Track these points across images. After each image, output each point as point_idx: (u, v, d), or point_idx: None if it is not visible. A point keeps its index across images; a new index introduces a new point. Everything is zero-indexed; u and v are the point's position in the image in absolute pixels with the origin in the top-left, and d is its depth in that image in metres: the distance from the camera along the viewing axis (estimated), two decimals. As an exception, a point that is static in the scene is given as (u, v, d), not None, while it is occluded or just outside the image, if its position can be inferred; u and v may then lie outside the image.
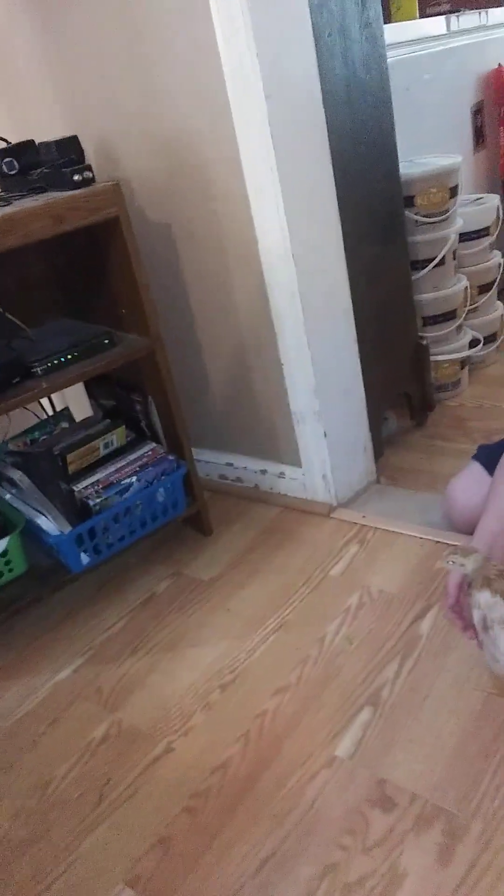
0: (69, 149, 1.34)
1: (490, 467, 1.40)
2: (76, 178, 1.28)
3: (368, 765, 1.03)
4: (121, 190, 1.30)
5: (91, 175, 1.30)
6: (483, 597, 0.98)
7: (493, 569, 0.98)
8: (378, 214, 1.69)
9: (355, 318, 1.58)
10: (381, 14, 1.57)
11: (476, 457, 1.45)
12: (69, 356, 1.37)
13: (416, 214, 1.87)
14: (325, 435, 1.58)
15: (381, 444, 1.82)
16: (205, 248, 1.54)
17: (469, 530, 1.42)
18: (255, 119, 1.30)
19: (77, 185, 1.29)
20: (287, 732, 1.11)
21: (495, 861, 0.87)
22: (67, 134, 1.35)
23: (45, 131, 1.48)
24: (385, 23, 1.62)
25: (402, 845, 0.92)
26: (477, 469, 1.41)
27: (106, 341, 1.41)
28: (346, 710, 1.13)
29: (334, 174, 1.45)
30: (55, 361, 1.36)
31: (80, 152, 1.34)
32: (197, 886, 0.93)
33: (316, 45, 1.35)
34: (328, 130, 1.42)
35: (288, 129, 1.33)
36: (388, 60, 1.65)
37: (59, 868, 0.99)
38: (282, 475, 1.71)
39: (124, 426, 1.57)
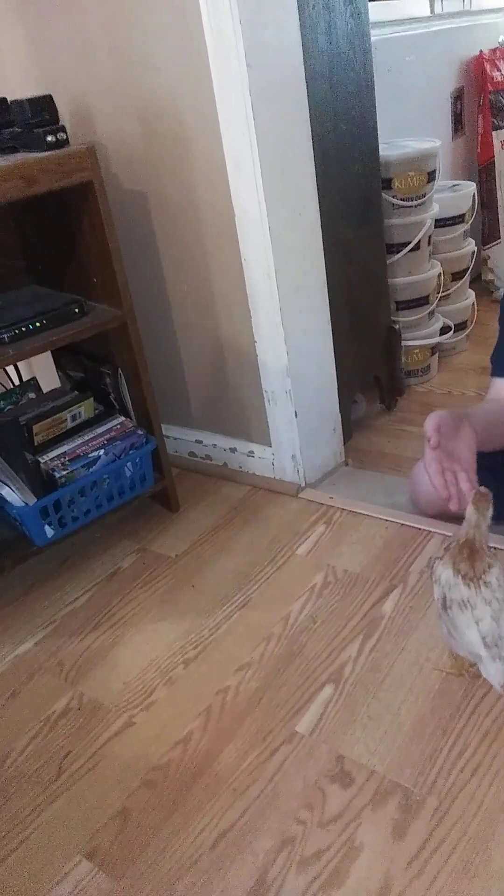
0: (43, 108, 1.29)
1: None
2: (49, 139, 1.24)
3: (328, 741, 1.04)
4: (95, 153, 1.27)
5: (65, 136, 1.27)
6: (445, 574, 1.00)
7: (462, 550, 0.99)
8: (355, 195, 1.68)
9: (329, 299, 1.58)
10: (367, -10, 1.55)
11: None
12: (37, 324, 1.34)
13: (393, 197, 1.87)
14: (296, 415, 1.58)
15: (351, 426, 1.83)
16: (180, 218, 1.52)
17: (433, 512, 1.45)
18: (236, 88, 1.27)
19: (50, 147, 1.25)
20: (249, 708, 1.12)
21: (448, 836, 0.89)
22: (41, 93, 1.31)
23: (17, 90, 1.43)
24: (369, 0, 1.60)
25: (359, 820, 0.93)
26: (443, 453, 1.42)
27: (76, 310, 1.38)
28: (307, 688, 1.14)
29: (313, 151, 1.44)
30: (22, 329, 1.32)
31: (55, 112, 1.30)
32: (154, 858, 0.93)
33: (300, 15, 1.33)
34: (309, 105, 1.40)
35: (269, 100, 1.30)
36: (372, 39, 1.63)
37: (15, 840, 0.99)
38: (251, 454, 1.71)
39: (93, 398, 1.55)
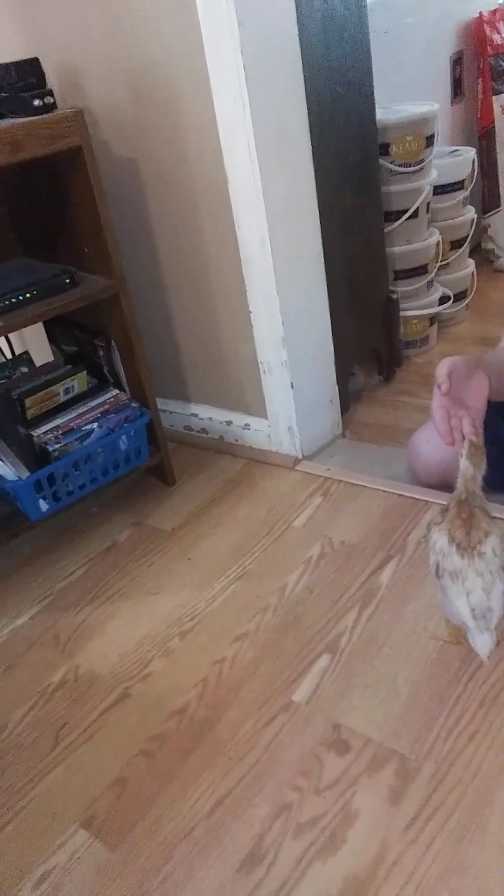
0: (29, 72, 1.26)
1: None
2: (36, 102, 1.21)
3: (324, 709, 1.04)
4: (83, 118, 1.23)
5: (52, 101, 1.24)
6: (441, 541, 0.99)
7: (460, 515, 0.98)
8: (352, 160, 1.64)
9: (326, 269, 1.55)
10: None
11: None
12: (27, 294, 1.32)
13: (390, 163, 1.83)
14: (292, 386, 1.56)
15: (348, 398, 1.81)
16: (172, 186, 1.49)
17: (431, 482, 1.44)
18: (227, 49, 1.24)
19: (37, 111, 1.22)
20: (245, 679, 1.12)
21: (445, 801, 0.89)
22: (27, 56, 1.27)
23: (3, 54, 1.39)
24: (366, -43, 1.55)
25: (355, 787, 0.93)
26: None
27: (67, 281, 1.36)
28: (304, 657, 1.13)
29: (308, 115, 1.40)
30: (12, 300, 1.30)
31: (41, 76, 1.27)
32: (150, 826, 0.93)
33: (293, -28, 1.29)
34: (303, 67, 1.36)
35: (261, 61, 1.27)
36: (368, 0, 1.58)
37: (12, 810, 0.99)
38: (247, 426, 1.69)
39: (86, 371, 1.53)
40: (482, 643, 0.97)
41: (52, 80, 1.44)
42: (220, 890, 0.85)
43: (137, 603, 1.32)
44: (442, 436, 1.05)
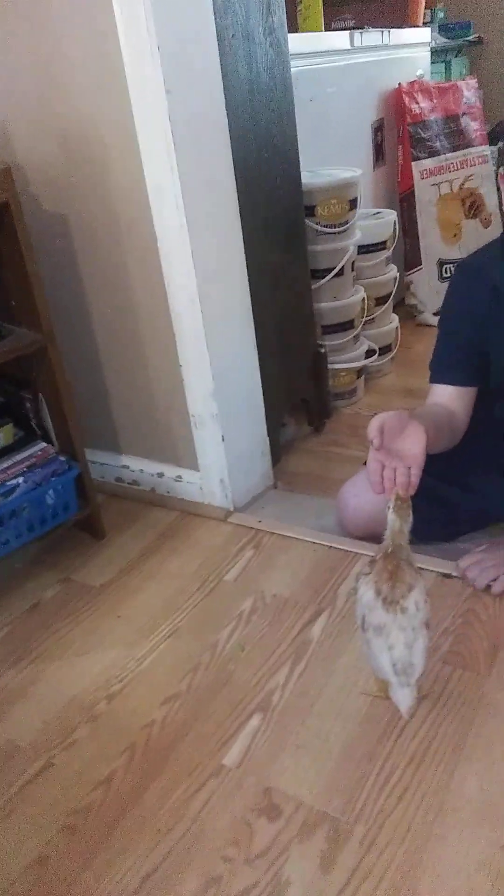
0: (-44, 129, 1.26)
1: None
2: (-37, 159, 1.21)
3: (256, 772, 1.02)
4: (11, 174, 1.24)
5: (-21, 158, 1.23)
6: (367, 595, 1.00)
7: (386, 567, 0.99)
8: (279, 222, 1.70)
9: (256, 324, 1.58)
10: (286, 22, 1.58)
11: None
12: (-49, 348, 1.29)
13: (316, 224, 1.90)
14: (223, 439, 1.57)
15: (279, 449, 1.83)
16: (102, 243, 1.50)
17: (360, 534, 1.46)
18: (156, 114, 1.27)
19: (-37, 168, 1.21)
20: (175, 743, 1.09)
21: (376, 865, 0.88)
22: (-45, 113, 1.28)
23: None
24: (291, 32, 1.63)
25: (287, 853, 0.91)
26: (369, 474, 1.44)
27: (-7, 334, 1.34)
28: (235, 718, 1.11)
29: (236, 178, 1.45)
30: None
31: (-31, 133, 1.27)
32: (74, 909, 0.89)
33: (219, 44, 1.34)
34: (230, 133, 1.41)
35: (189, 126, 1.31)
36: (293, 70, 1.66)
37: None
38: (179, 479, 1.69)
39: (12, 424, 1.50)
40: (403, 698, 0.98)
41: (-20, 136, 1.44)
42: None
43: (63, 664, 1.28)
44: (373, 486, 1.07)
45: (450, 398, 1.28)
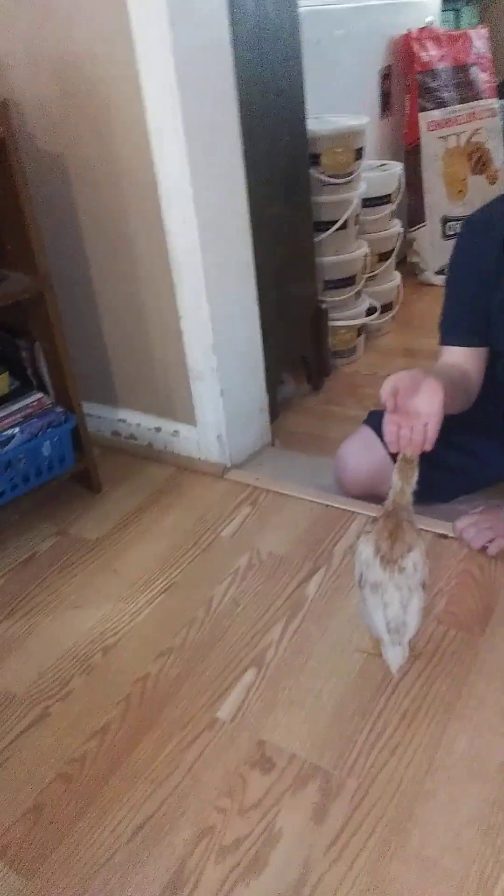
0: None
1: (380, 432, 1.42)
2: (-45, 93, 1.15)
3: (249, 727, 1.03)
4: (8, 107, 1.18)
5: (-27, 92, 1.18)
6: (366, 552, 0.99)
7: (387, 526, 0.99)
8: (283, 170, 1.64)
9: (257, 277, 1.54)
10: (296, -45, 1.50)
11: (367, 421, 1.46)
12: None
13: (320, 174, 1.84)
14: (222, 394, 1.54)
15: (277, 406, 1.81)
16: (101, 184, 1.44)
17: (358, 493, 1.45)
18: (159, 48, 1.21)
19: (-44, 102, 1.16)
20: (169, 696, 1.09)
21: (367, 817, 0.89)
22: None
23: None
24: (300, -33, 1.56)
25: (279, 805, 0.92)
26: (367, 433, 1.42)
27: (-13, 280, 1.30)
28: (229, 673, 1.12)
29: (239, 121, 1.39)
30: None
31: (-38, 65, 1.21)
32: (68, 855, 0.90)
33: (227, -23, 1.27)
34: (235, 72, 1.34)
35: (194, 62, 1.25)
36: (301, 9, 1.59)
37: None
38: (176, 433, 1.67)
39: (7, 373, 1.46)
40: (394, 656, 0.99)
41: (-27, 69, 1.37)
42: (140, 919, 0.82)
43: (58, 617, 1.28)
44: (389, 446, 1.07)
45: (462, 359, 1.26)
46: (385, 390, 1.05)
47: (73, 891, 0.86)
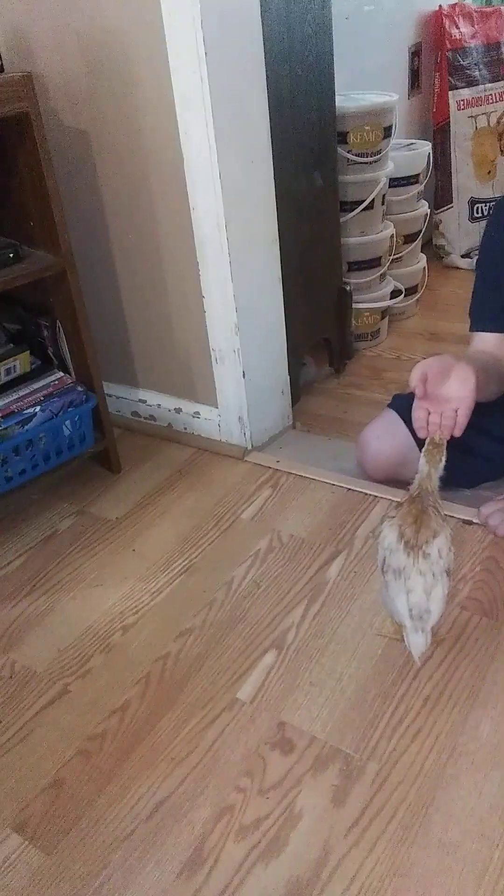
0: (-26, 31, 1.18)
1: (404, 416, 1.40)
2: (-19, 64, 1.14)
3: (269, 708, 1.02)
4: (32, 82, 1.16)
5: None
6: (390, 537, 0.98)
7: (412, 511, 0.97)
8: (310, 147, 1.61)
9: (281, 257, 1.52)
10: None
11: (391, 405, 1.44)
12: (-33, 269, 1.24)
13: (347, 152, 1.80)
14: (244, 375, 1.53)
15: (299, 389, 1.79)
16: (126, 160, 1.42)
17: (380, 477, 1.43)
18: (187, 22, 1.18)
19: (-18, 74, 1.14)
20: (189, 675, 1.09)
21: (388, 802, 0.89)
22: (-28, 13, 1.19)
23: None
24: None
25: (299, 787, 0.92)
26: (391, 417, 1.40)
27: (10, 255, 1.28)
28: (249, 654, 1.11)
29: (267, 95, 1.36)
30: (-49, 274, 1.23)
31: (-13, 36, 1.19)
32: (87, 831, 0.90)
33: None
34: (264, 45, 1.31)
35: (222, 35, 1.22)
36: (331, -19, 1.55)
37: None
38: (196, 415, 1.65)
39: (29, 352, 1.46)
40: (415, 643, 0.97)
41: (-2, 42, 1.35)
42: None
43: (78, 595, 1.28)
44: (418, 432, 1.06)
45: (493, 345, 1.23)
46: (414, 376, 1.03)
47: (93, 866, 0.86)
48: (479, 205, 2.56)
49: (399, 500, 1.03)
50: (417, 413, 1.05)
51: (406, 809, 0.88)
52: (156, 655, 1.13)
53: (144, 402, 1.73)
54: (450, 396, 1.05)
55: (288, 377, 1.67)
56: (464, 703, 1.00)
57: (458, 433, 1.03)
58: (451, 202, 2.53)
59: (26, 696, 1.09)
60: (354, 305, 1.94)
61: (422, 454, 1.00)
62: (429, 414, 1.04)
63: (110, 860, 0.86)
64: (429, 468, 0.99)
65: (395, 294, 2.10)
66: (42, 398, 1.42)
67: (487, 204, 2.58)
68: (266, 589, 1.23)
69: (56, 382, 1.45)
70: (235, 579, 1.26)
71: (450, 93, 2.43)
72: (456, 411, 1.03)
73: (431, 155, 2.16)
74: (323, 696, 1.03)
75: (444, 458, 0.99)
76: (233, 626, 1.17)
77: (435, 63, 2.45)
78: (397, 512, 1.00)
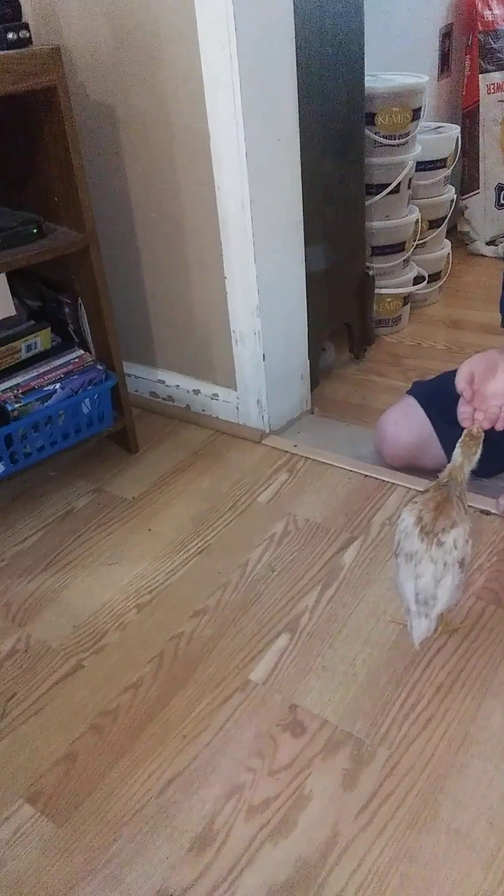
0: (4, 3, 1.17)
1: (424, 403, 1.39)
2: (10, 36, 1.13)
3: (281, 690, 1.03)
4: (60, 56, 1.15)
5: (28, 35, 1.15)
6: (408, 521, 0.97)
7: (434, 498, 0.96)
8: (337, 127, 1.59)
9: (304, 238, 1.50)
10: None
11: (410, 391, 1.43)
12: (-9, 244, 1.24)
13: (375, 134, 1.78)
14: (264, 358, 1.52)
15: (318, 373, 1.78)
16: (151, 137, 1.41)
17: (398, 464, 1.43)
18: (218, -5, 1.16)
19: (11, 45, 1.13)
20: (202, 655, 1.09)
21: (398, 787, 0.89)
22: (1, -16, 1.18)
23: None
24: None
25: (310, 769, 0.92)
26: (410, 403, 1.40)
27: (34, 231, 1.28)
28: (263, 636, 1.12)
29: (296, 73, 1.34)
30: (-25, 248, 1.23)
31: (18, 8, 1.18)
32: (99, 804, 0.91)
33: None
34: (295, 23, 1.29)
35: (252, 11, 1.20)
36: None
37: (-46, 782, 0.95)
38: (215, 397, 1.65)
39: (50, 329, 1.46)
40: (417, 627, 0.97)
41: (27, 14, 1.34)
42: (169, 870, 0.83)
43: (94, 572, 1.28)
44: (462, 422, 1.06)
45: None
46: (460, 379, 1.03)
47: (104, 839, 0.87)
48: (507, 191, 2.52)
49: (428, 485, 1.02)
50: (463, 408, 1.05)
51: (415, 795, 0.88)
52: (170, 634, 1.14)
53: (163, 382, 1.73)
54: (496, 392, 1.04)
55: (308, 361, 1.66)
56: (476, 692, 1.00)
57: (499, 426, 1.03)
58: (478, 188, 2.49)
59: (41, 671, 1.10)
60: (376, 291, 1.92)
61: (458, 444, 1.00)
62: (475, 411, 1.04)
63: (121, 833, 0.87)
64: (462, 459, 0.98)
65: (417, 280, 2.08)
66: (62, 375, 1.42)
67: (515, 191, 2.53)
68: (281, 572, 1.23)
69: (76, 360, 1.45)
70: (250, 562, 1.26)
71: (480, 76, 2.38)
72: (500, 408, 1.03)
73: (459, 139, 2.13)
74: (335, 681, 1.03)
75: (479, 452, 0.99)
76: (247, 608, 1.17)
77: (466, 45, 2.40)
78: (421, 497, 1.00)
